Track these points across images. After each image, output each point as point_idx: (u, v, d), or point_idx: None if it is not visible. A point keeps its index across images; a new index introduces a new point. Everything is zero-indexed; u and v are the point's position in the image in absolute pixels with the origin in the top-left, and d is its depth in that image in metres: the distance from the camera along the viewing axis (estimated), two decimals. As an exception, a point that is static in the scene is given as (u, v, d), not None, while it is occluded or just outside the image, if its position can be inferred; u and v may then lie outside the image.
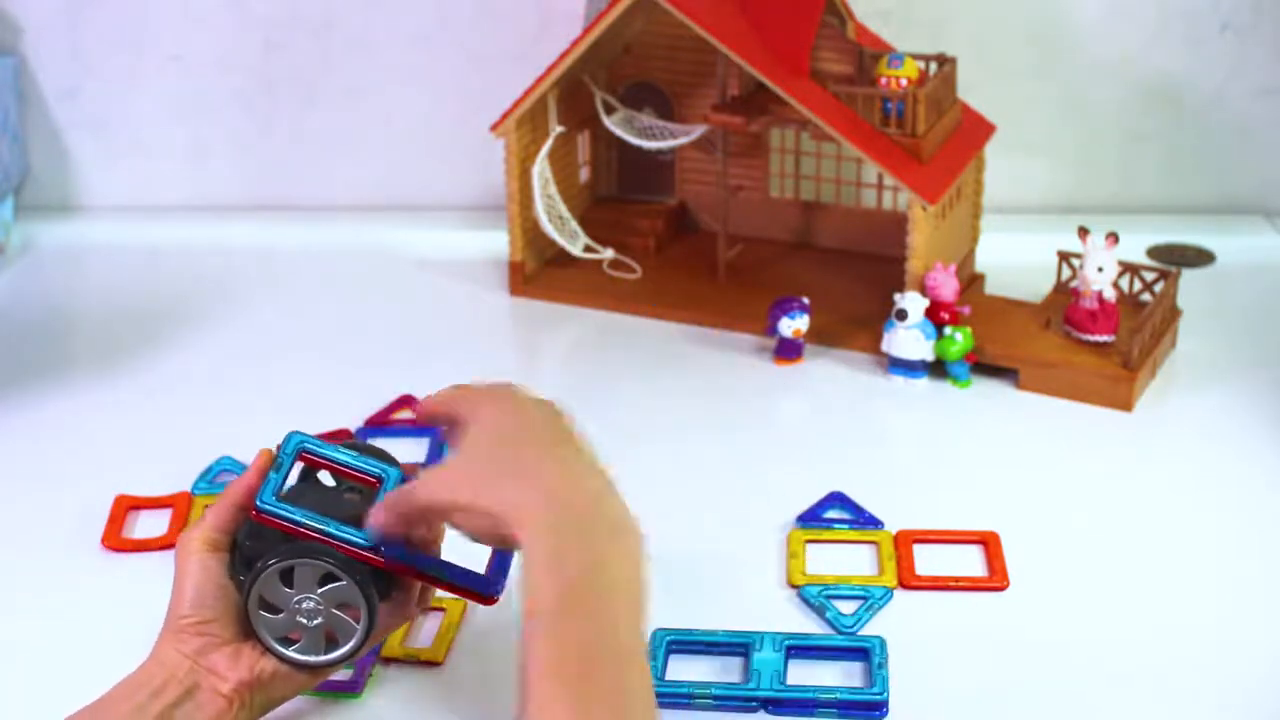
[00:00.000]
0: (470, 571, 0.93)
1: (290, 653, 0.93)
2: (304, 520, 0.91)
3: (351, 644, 0.93)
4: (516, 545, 0.83)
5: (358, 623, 0.92)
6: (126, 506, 1.19)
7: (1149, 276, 1.41)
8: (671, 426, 1.31)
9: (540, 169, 1.50)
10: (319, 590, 0.92)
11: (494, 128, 1.48)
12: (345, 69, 1.68)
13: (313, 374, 1.40)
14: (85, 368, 1.43)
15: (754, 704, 1.00)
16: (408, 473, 0.95)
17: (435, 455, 1.26)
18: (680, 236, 1.61)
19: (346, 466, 0.96)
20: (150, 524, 1.18)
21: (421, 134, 1.71)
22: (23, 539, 1.17)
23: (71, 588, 1.12)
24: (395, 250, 1.63)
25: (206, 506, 0.99)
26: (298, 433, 0.97)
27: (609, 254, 1.55)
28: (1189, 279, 1.47)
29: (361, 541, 0.91)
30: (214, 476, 1.23)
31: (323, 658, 0.93)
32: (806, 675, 1.02)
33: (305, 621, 0.92)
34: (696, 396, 1.36)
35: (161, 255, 1.64)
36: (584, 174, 1.61)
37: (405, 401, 1.33)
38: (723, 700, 0.99)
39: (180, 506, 1.19)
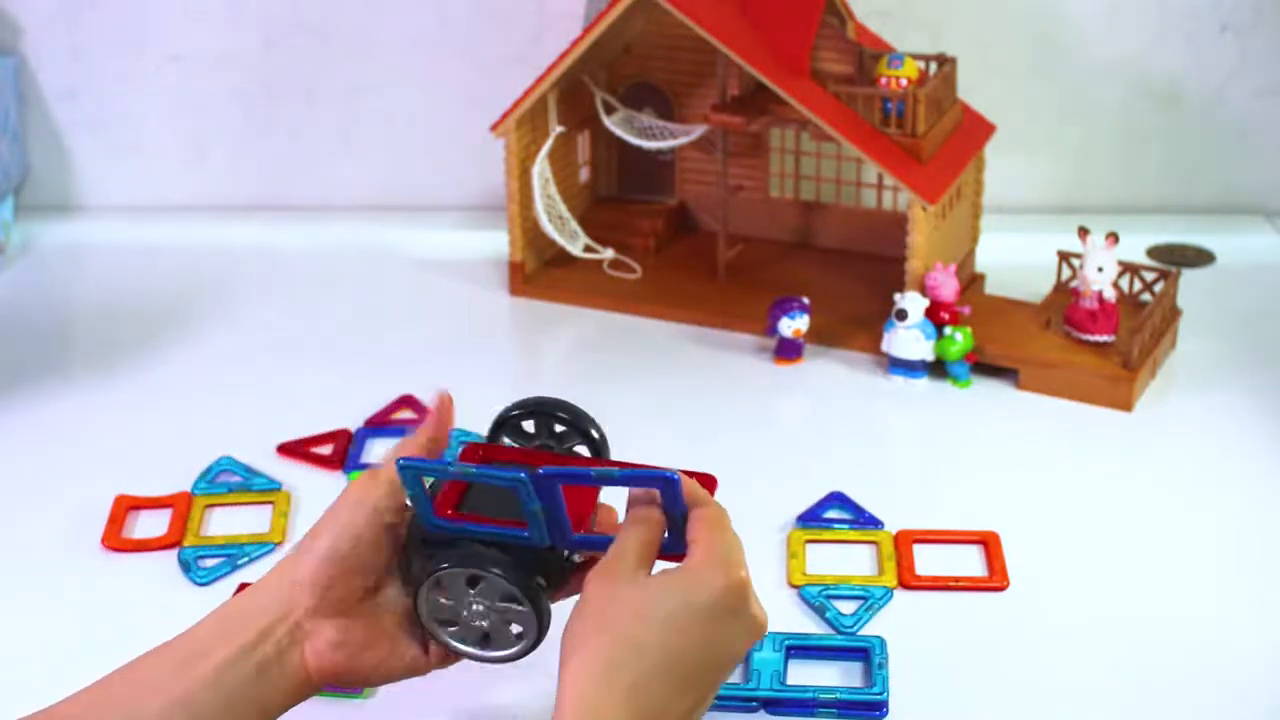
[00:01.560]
0: (635, 473, 0.87)
1: (490, 653, 0.90)
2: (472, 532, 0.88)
3: (532, 634, 0.89)
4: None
5: (525, 609, 0.88)
6: (126, 506, 1.19)
7: (1149, 276, 1.41)
8: (671, 426, 1.31)
9: (540, 169, 1.50)
10: (473, 591, 0.88)
11: (494, 128, 1.48)
12: (345, 69, 1.68)
13: (313, 374, 1.40)
14: (85, 368, 1.43)
15: (754, 704, 1.00)
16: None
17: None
18: (680, 236, 1.61)
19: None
20: (150, 524, 1.18)
21: (421, 134, 1.71)
22: (23, 539, 1.17)
23: (71, 588, 1.12)
24: (395, 250, 1.63)
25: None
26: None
27: (609, 254, 1.55)
28: (1189, 279, 1.47)
29: (532, 539, 0.87)
30: (214, 476, 1.23)
31: (514, 650, 0.90)
32: (806, 675, 1.02)
33: (483, 623, 0.89)
34: (696, 396, 1.36)
35: (161, 255, 1.64)
36: (584, 174, 1.61)
37: (405, 401, 1.33)
38: (722, 700, 0.99)
39: (180, 506, 1.19)
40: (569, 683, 0.80)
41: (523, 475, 0.85)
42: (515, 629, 0.90)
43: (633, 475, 0.87)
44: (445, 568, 0.88)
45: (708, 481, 0.91)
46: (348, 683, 0.89)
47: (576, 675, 0.80)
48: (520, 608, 0.89)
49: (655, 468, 0.87)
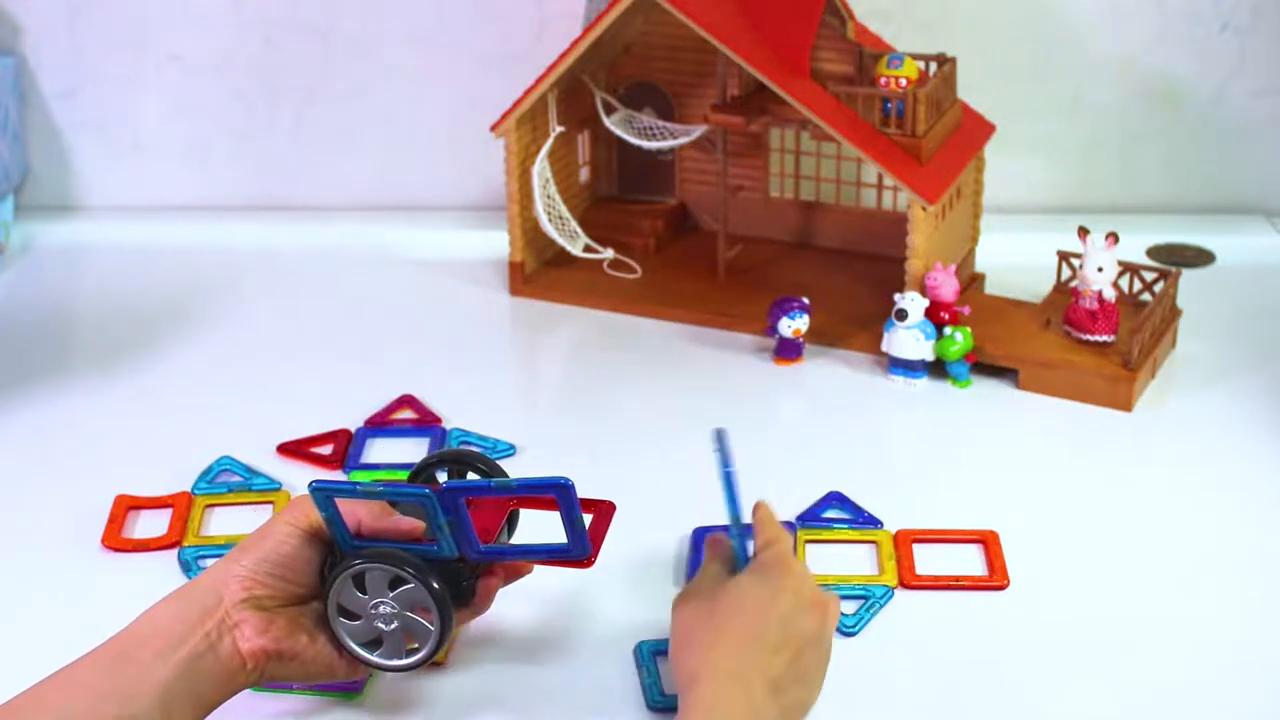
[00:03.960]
0: (555, 545, 0.94)
1: (374, 657, 0.95)
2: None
3: (429, 647, 0.95)
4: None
5: (431, 624, 0.94)
6: (126, 506, 1.19)
7: (1149, 276, 1.41)
8: (671, 426, 1.31)
9: (540, 169, 1.50)
10: (391, 594, 0.93)
11: (494, 128, 1.48)
12: (345, 69, 1.69)
13: (313, 374, 1.40)
14: (85, 368, 1.43)
15: None
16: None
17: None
18: (680, 236, 1.61)
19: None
20: (150, 524, 1.18)
21: (421, 134, 1.71)
22: (23, 539, 1.17)
23: (71, 588, 1.12)
24: (395, 250, 1.63)
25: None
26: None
27: (609, 254, 1.55)
28: (1189, 279, 1.47)
29: (441, 551, 0.94)
30: (214, 476, 1.23)
31: (403, 661, 0.95)
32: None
33: (383, 626, 0.94)
34: (696, 396, 1.36)
35: (161, 255, 1.64)
36: (584, 174, 1.61)
37: (405, 401, 1.33)
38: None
39: (180, 506, 1.19)
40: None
41: (427, 490, 0.92)
42: (411, 642, 0.95)
43: (529, 484, 0.93)
44: (374, 564, 0.93)
45: (608, 508, 0.98)
46: (279, 674, 0.94)
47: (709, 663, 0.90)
48: (425, 621, 0.94)
49: (551, 477, 0.92)
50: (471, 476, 1.01)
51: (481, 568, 0.98)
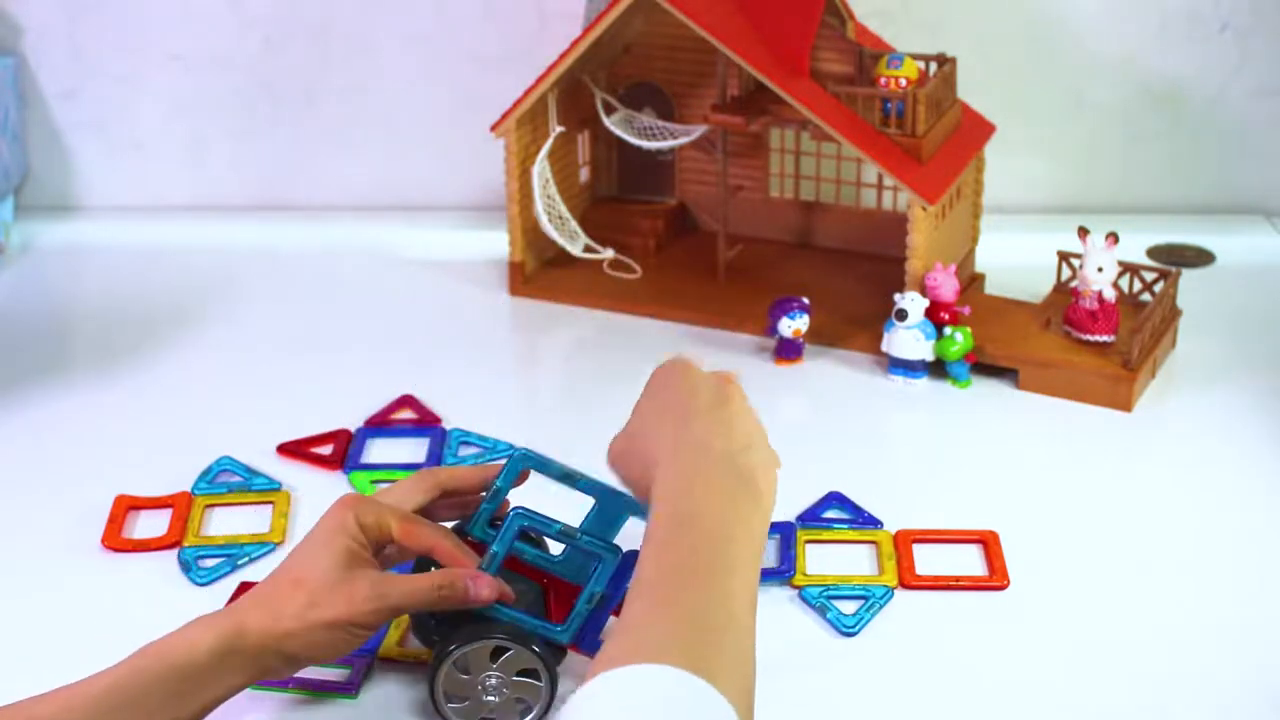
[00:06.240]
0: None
1: None
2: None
3: (541, 704, 0.95)
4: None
5: (540, 680, 0.95)
6: (126, 506, 1.19)
7: (1149, 276, 1.41)
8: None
9: (540, 169, 1.49)
10: (494, 666, 0.94)
11: (494, 128, 1.48)
12: (345, 69, 1.69)
13: (313, 374, 1.40)
14: (85, 368, 1.43)
15: None
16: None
17: (435, 455, 1.26)
18: (680, 236, 1.61)
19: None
20: (150, 524, 1.18)
21: (421, 134, 1.71)
22: (23, 539, 1.17)
23: (71, 588, 1.12)
24: (395, 250, 1.63)
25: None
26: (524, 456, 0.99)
27: (609, 254, 1.55)
28: (1189, 279, 1.47)
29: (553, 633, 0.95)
30: (214, 476, 1.23)
31: None
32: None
33: (494, 699, 0.95)
34: (696, 396, 1.36)
35: (161, 255, 1.64)
36: (584, 174, 1.61)
37: (405, 401, 1.33)
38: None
39: (180, 506, 1.19)
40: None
41: (621, 550, 0.95)
42: (521, 705, 0.95)
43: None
44: (472, 644, 0.93)
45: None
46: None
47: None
48: (537, 682, 0.94)
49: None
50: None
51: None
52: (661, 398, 0.95)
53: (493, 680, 0.94)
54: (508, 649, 0.93)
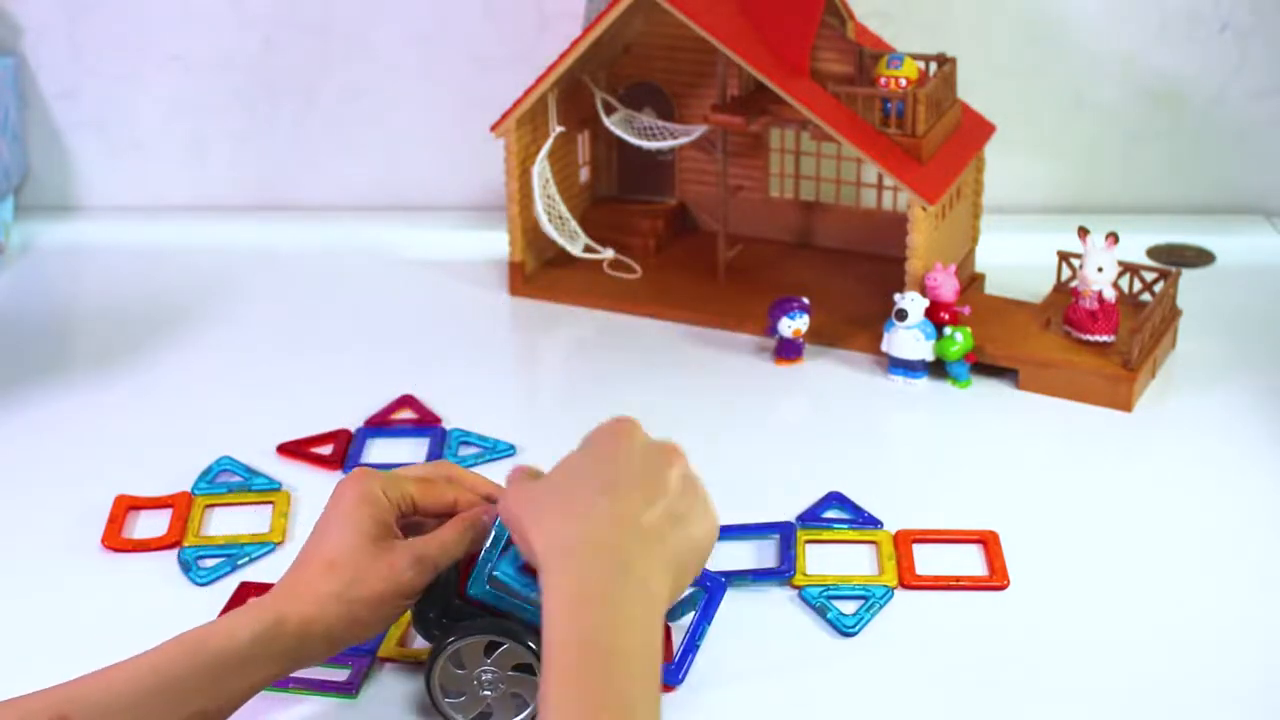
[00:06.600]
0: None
1: None
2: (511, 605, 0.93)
3: (535, 701, 0.94)
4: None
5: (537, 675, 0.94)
6: (126, 506, 1.19)
7: (1149, 276, 1.41)
8: (671, 426, 1.30)
9: (540, 169, 1.50)
10: (489, 660, 0.94)
11: (494, 128, 1.48)
12: (345, 69, 1.69)
13: (313, 374, 1.40)
14: (85, 368, 1.43)
15: None
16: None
17: (435, 455, 1.26)
18: (680, 236, 1.61)
19: None
20: (150, 524, 1.18)
21: (421, 134, 1.71)
22: (23, 539, 1.17)
23: (71, 588, 1.12)
24: (395, 250, 1.63)
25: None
26: None
27: (609, 254, 1.55)
28: (1189, 279, 1.47)
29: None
30: (214, 477, 1.23)
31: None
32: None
33: (490, 694, 0.95)
34: (696, 396, 1.36)
35: (161, 255, 1.64)
36: (584, 174, 1.61)
37: (405, 401, 1.33)
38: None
39: (180, 506, 1.19)
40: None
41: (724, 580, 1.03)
42: (517, 700, 0.95)
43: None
44: (468, 638, 0.93)
45: None
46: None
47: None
48: (532, 677, 0.93)
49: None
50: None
51: None
52: (593, 456, 0.91)
53: (488, 675, 0.94)
54: (502, 643, 0.93)
